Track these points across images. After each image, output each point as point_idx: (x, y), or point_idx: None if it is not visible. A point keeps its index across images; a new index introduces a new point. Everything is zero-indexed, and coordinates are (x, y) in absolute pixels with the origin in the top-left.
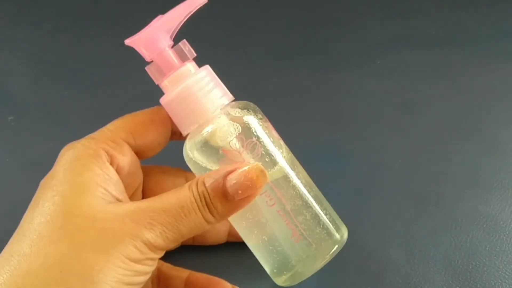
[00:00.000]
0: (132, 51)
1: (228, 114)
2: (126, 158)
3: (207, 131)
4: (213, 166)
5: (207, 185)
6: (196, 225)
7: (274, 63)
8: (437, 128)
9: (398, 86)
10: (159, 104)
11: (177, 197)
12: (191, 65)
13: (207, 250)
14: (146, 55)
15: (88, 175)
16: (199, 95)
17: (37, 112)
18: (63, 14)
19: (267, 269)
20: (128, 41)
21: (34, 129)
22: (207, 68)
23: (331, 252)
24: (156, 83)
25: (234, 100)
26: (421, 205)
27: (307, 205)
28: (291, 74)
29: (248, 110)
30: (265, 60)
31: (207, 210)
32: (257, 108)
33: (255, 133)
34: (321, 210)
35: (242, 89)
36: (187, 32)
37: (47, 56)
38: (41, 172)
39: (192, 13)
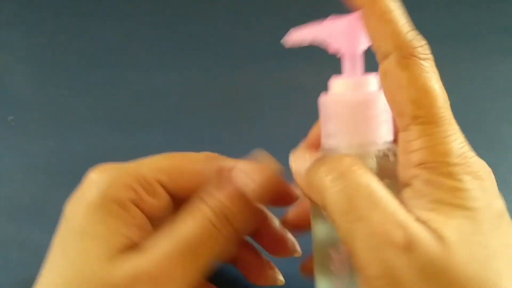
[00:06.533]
0: (132, 51)
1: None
2: (157, 203)
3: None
4: None
5: (222, 198)
6: (220, 253)
7: (274, 62)
8: None
9: None
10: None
11: (185, 233)
12: (374, 79)
13: None
14: (342, 44)
15: (110, 222)
16: (381, 116)
17: (37, 112)
18: (63, 13)
19: None
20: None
21: (34, 129)
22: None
23: None
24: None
25: None
26: None
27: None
28: (291, 73)
29: None
30: (264, 59)
31: (229, 229)
32: None
33: None
34: None
35: (241, 88)
36: (185, 28)
37: (47, 56)
38: (41, 172)
39: None
